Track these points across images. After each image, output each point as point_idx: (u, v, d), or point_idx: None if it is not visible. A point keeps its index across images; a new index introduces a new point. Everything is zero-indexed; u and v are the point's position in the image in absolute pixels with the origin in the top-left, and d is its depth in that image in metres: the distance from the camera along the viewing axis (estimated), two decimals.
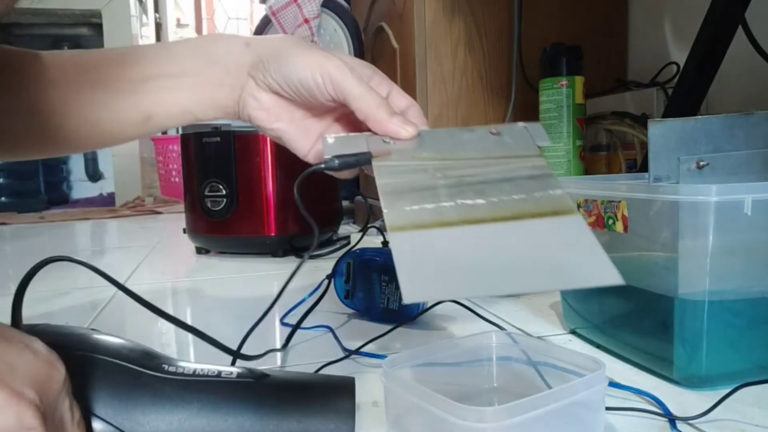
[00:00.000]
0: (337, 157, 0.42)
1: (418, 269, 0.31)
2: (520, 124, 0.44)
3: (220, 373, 0.32)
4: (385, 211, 0.35)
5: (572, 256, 0.32)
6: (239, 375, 0.32)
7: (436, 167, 0.40)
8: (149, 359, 0.32)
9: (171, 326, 0.75)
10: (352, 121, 0.48)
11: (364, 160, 0.42)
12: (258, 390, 0.32)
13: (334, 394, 0.33)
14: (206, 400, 0.30)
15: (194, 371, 0.32)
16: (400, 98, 0.47)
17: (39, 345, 0.27)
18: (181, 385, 0.31)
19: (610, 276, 0.30)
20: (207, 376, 0.32)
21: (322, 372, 0.52)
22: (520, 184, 0.38)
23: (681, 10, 1.12)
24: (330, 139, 0.43)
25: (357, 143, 0.43)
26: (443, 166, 0.40)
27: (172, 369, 0.32)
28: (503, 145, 0.42)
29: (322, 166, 0.42)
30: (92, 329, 0.33)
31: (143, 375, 0.30)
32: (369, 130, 0.44)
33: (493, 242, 0.33)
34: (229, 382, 0.31)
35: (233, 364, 0.40)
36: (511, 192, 0.37)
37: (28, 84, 0.48)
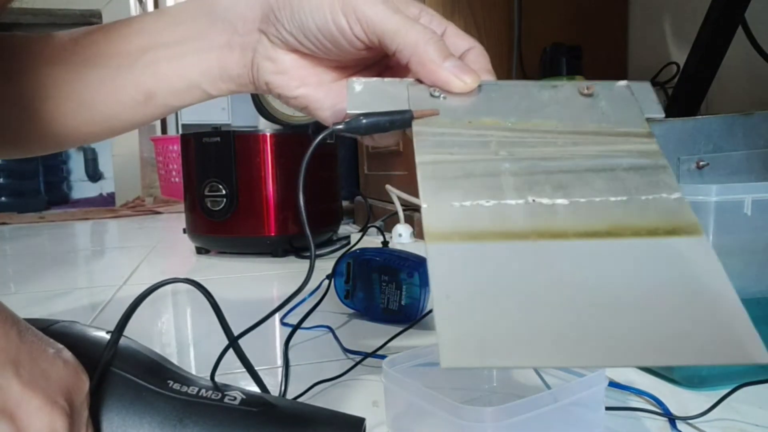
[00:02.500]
0: (365, 115, 0.31)
1: (467, 315, 0.21)
2: (622, 82, 0.33)
3: (223, 397, 0.31)
4: (423, 206, 0.26)
5: (695, 312, 0.22)
6: (242, 402, 0.31)
7: (501, 140, 0.30)
8: (155, 373, 0.31)
9: (171, 327, 0.75)
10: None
11: (400, 121, 0.31)
12: (259, 421, 0.30)
13: None
14: (203, 425, 0.29)
15: (198, 391, 0.31)
16: (458, 39, 0.36)
17: (68, 354, 0.27)
18: (181, 405, 0.30)
19: (752, 350, 0.21)
20: (210, 399, 0.31)
21: (323, 370, 0.52)
22: (621, 179, 0.28)
23: (681, 10, 1.12)
24: (357, 85, 0.32)
25: (394, 93, 0.32)
26: (511, 139, 0.30)
27: (176, 387, 0.31)
28: (598, 113, 0.31)
29: (341, 127, 0.32)
30: (109, 331, 0.33)
31: (144, 390, 0.30)
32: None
33: (579, 275, 0.24)
34: (231, 408, 0.30)
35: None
36: (606, 190, 0.27)
37: (21, 69, 0.43)
